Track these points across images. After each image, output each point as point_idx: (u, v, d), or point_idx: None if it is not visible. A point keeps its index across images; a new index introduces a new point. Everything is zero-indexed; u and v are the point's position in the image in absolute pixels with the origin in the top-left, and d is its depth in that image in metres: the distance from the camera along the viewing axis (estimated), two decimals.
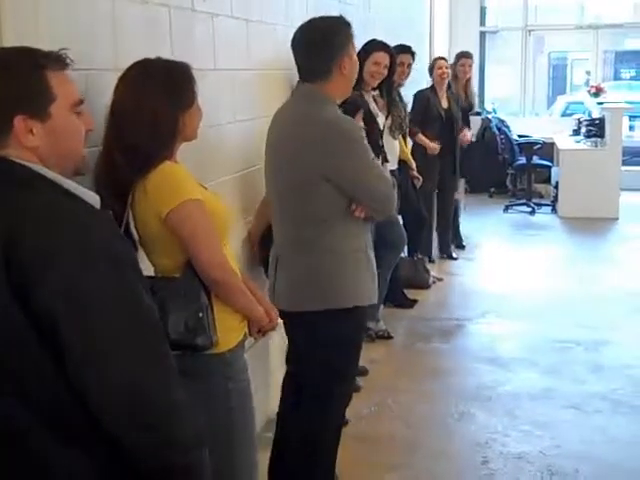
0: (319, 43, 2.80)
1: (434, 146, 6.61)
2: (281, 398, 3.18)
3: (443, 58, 6.98)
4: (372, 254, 2.95)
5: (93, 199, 1.56)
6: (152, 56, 2.25)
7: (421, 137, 6.47)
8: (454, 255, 7.39)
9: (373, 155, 2.79)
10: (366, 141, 2.78)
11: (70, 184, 1.54)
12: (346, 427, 3.94)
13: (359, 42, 4.73)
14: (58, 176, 1.53)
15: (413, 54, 5.67)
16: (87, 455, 1.45)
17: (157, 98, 2.16)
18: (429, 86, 6.85)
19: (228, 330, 2.30)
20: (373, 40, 4.78)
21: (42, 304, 1.38)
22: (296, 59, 2.87)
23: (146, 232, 2.22)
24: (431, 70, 6.79)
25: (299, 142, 2.75)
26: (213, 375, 2.30)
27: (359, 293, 2.90)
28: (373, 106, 4.83)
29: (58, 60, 1.55)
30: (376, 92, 4.96)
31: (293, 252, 2.86)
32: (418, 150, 6.34)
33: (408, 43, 5.74)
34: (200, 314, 2.18)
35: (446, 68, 6.78)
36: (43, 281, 1.38)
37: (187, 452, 1.51)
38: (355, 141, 2.74)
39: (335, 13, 5.19)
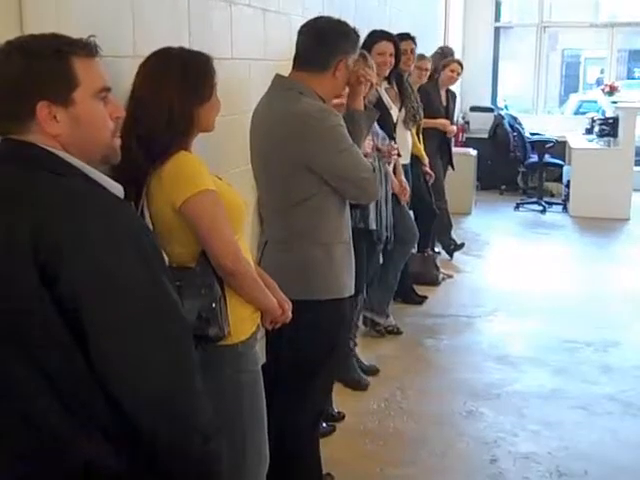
0: (329, 37, 2.81)
1: (451, 128, 6.58)
2: None
3: (459, 62, 6.90)
4: (352, 244, 2.99)
5: (117, 190, 1.56)
6: (171, 43, 2.23)
7: (427, 120, 6.08)
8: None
9: (351, 142, 2.78)
10: (344, 128, 2.77)
11: (95, 173, 1.54)
12: (342, 422, 3.96)
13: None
14: (84, 164, 1.52)
15: (413, 39, 5.60)
16: (109, 442, 1.45)
17: (173, 91, 2.15)
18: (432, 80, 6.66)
19: (241, 322, 2.29)
20: (374, 31, 4.72)
21: (68, 288, 1.38)
22: (299, 43, 2.86)
23: (160, 221, 2.20)
24: (444, 67, 6.68)
25: (279, 134, 2.76)
26: (225, 366, 2.29)
27: (341, 285, 2.91)
28: (386, 98, 4.79)
29: (84, 47, 1.54)
30: (386, 83, 4.93)
31: (280, 240, 2.86)
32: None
33: (423, 38, 5.69)
34: (213, 305, 2.16)
35: (458, 74, 6.74)
36: (70, 265, 1.38)
37: (207, 440, 1.52)
38: (329, 129, 2.73)
39: (352, 6, 5.22)
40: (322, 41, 2.80)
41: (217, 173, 2.38)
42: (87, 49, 1.54)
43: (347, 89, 3.02)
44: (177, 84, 2.15)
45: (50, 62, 1.49)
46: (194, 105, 2.18)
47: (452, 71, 6.67)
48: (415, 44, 5.59)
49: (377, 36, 4.67)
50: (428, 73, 6.12)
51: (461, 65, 6.83)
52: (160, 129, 2.12)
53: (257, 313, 2.39)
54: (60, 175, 1.47)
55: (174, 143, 2.15)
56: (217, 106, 2.29)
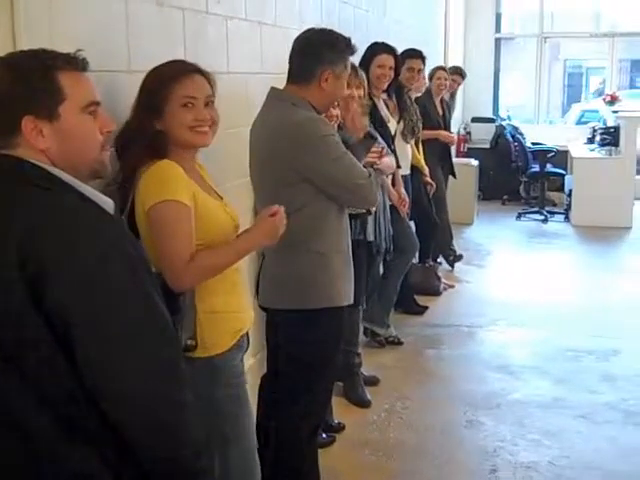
0: (313, 49, 2.84)
1: (452, 138, 6.58)
2: (258, 405, 3.13)
3: (443, 68, 6.93)
4: (351, 254, 3.00)
5: (107, 204, 1.56)
6: (166, 58, 2.26)
7: (426, 132, 6.05)
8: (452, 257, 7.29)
9: (345, 149, 2.80)
10: (337, 137, 2.80)
11: (84, 188, 1.54)
12: (342, 433, 3.95)
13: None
14: (73, 179, 1.53)
15: (424, 59, 5.63)
16: (99, 455, 1.45)
17: (137, 105, 2.21)
18: (424, 92, 6.63)
19: (218, 334, 2.27)
20: (375, 43, 4.75)
21: (55, 303, 1.39)
22: (290, 56, 2.90)
23: (140, 226, 2.20)
24: (431, 78, 6.73)
25: (273, 144, 2.79)
26: (199, 379, 2.15)
27: (338, 294, 2.92)
28: (385, 112, 4.81)
29: (71, 61, 1.55)
30: (385, 95, 4.94)
31: (276, 249, 2.84)
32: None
33: (423, 49, 5.69)
34: (179, 316, 2.13)
35: (445, 79, 6.74)
36: (57, 281, 1.39)
37: (198, 455, 1.52)
38: (321, 138, 2.75)
39: (349, 19, 5.25)
40: (306, 53, 2.84)
41: (216, 185, 2.40)
42: (74, 63, 1.55)
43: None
44: (141, 89, 2.22)
45: (35, 77, 1.50)
46: (147, 114, 2.19)
47: (439, 79, 6.67)
48: (424, 64, 5.61)
49: (377, 48, 4.70)
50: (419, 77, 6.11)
51: (445, 70, 6.83)
52: (127, 134, 2.17)
53: (239, 326, 2.36)
54: (47, 189, 1.47)
55: (140, 150, 2.16)
56: (183, 118, 2.21)
